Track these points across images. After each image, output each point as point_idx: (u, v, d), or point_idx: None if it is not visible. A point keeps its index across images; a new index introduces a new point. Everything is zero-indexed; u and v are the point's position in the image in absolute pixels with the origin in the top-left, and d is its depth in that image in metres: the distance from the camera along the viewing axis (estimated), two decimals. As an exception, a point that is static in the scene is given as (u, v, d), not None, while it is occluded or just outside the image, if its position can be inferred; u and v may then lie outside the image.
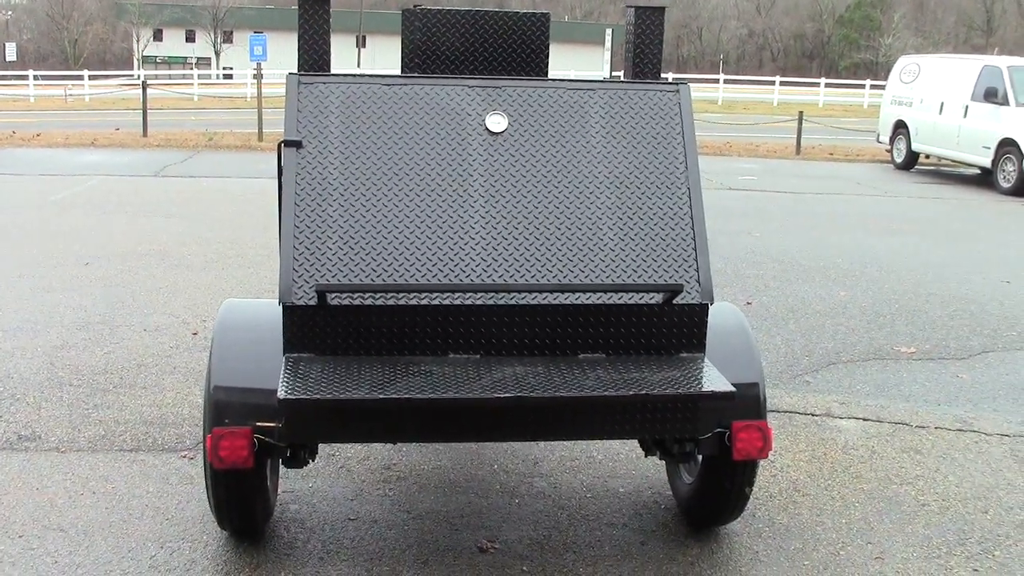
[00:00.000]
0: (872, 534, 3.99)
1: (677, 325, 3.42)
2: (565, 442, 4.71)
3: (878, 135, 20.29)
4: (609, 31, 44.86)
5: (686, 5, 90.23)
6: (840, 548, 3.87)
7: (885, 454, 4.81)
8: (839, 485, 4.44)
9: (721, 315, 3.79)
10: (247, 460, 3.30)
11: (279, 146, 3.50)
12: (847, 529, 4.03)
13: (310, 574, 3.62)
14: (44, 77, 44.45)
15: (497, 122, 3.57)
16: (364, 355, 3.36)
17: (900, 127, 19.18)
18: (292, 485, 4.32)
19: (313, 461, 3.92)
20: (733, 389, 3.14)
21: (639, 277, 3.41)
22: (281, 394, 3.00)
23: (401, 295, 3.32)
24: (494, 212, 3.44)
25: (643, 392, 3.09)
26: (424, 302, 3.33)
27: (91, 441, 4.74)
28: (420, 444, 4.69)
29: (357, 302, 3.30)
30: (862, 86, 45.68)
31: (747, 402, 3.51)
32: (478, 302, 3.34)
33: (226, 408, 3.36)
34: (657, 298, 3.38)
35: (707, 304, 3.42)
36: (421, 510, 4.13)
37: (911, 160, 19.10)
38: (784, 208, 13.26)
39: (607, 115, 3.62)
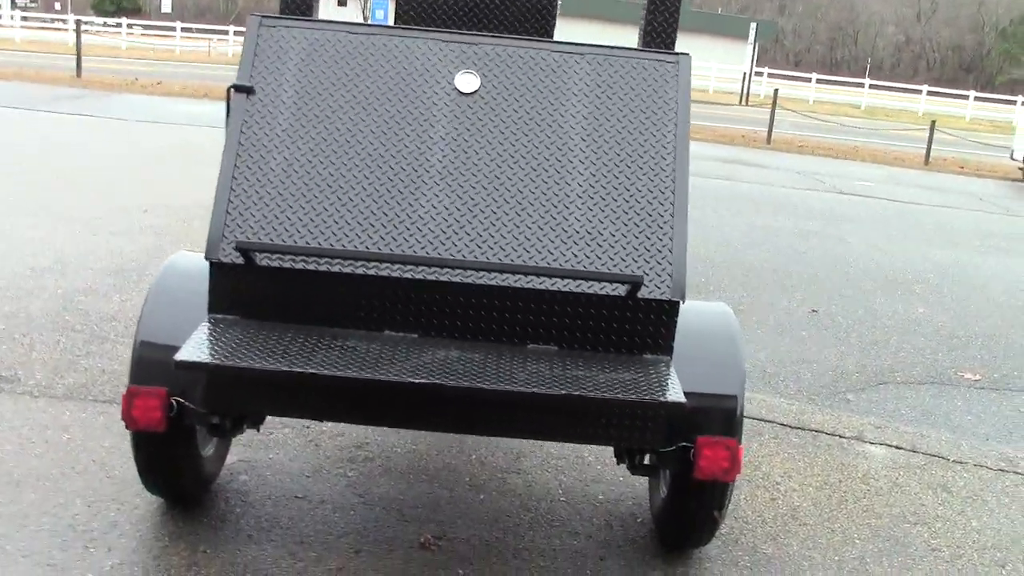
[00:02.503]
0: (864, 577, 3.54)
1: (641, 322, 3.04)
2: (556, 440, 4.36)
3: (1012, 152, 19.12)
4: (754, 25, 43.70)
5: (844, 7, 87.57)
6: (822, 589, 3.44)
7: (908, 488, 4.31)
8: (844, 517, 3.98)
9: (708, 317, 3.39)
10: (160, 423, 3.05)
11: (228, 91, 3.24)
12: (837, 569, 3.58)
13: (228, 551, 3.38)
14: (191, 30, 45.75)
15: (468, 82, 3.24)
16: (292, 323, 3.09)
17: (1037, 143, 18.02)
18: (252, 455, 4.10)
19: (257, 431, 3.69)
20: (682, 400, 2.75)
21: (603, 265, 3.04)
22: (178, 356, 2.76)
23: (336, 261, 3.03)
24: (453, 180, 3.12)
25: (575, 393, 2.73)
26: (360, 271, 3.03)
27: (68, 389, 4.60)
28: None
29: (288, 265, 3.03)
30: (1014, 102, 43.42)
31: (716, 416, 3.12)
32: (419, 276, 3.03)
33: (148, 366, 3.12)
34: (620, 290, 3.01)
35: (677, 302, 3.03)
36: (376, 495, 3.85)
37: (1045, 179, 17.94)
38: (889, 217, 12.51)
39: (593, 83, 3.25)
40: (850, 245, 10.06)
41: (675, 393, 2.77)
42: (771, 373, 5.75)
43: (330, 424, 4.38)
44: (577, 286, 3.00)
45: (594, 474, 4.17)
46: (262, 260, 3.03)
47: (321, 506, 3.74)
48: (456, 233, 3.07)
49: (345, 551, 3.43)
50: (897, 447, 4.74)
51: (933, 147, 21.34)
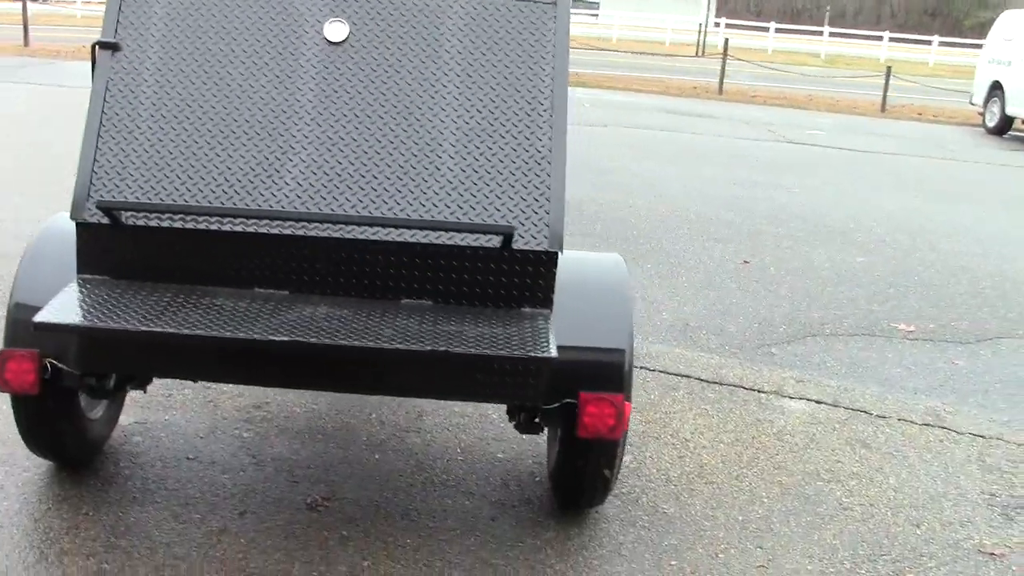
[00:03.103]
0: (769, 537, 3.44)
1: (518, 275, 2.90)
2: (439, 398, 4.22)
3: (971, 96, 19.07)
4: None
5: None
6: (722, 550, 3.34)
7: (825, 444, 4.21)
8: (754, 475, 3.87)
9: (597, 269, 3.26)
10: (33, 386, 2.96)
11: (92, 48, 3.09)
12: (740, 529, 3.48)
13: (113, 513, 3.26)
14: None
15: (337, 31, 3.09)
16: (162, 282, 2.97)
17: (996, 89, 17.95)
18: (148, 416, 3.95)
19: (143, 392, 3.56)
20: (550, 355, 2.62)
21: (476, 216, 2.89)
22: (37, 317, 2.70)
23: (202, 219, 2.90)
24: (322, 133, 2.99)
25: (439, 349, 2.61)
26: (228, 228, 2.90)
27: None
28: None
29: (154, 223, 2.91)
30: (980, 46, 43.34)
31: (601, 372, 3.00)
32: (287, 232, 2.89)
33: (21, 328, 3.00)
34: (494, 242, 2.86)
35: (555, 253, 2.88)
36: (269, 456, 3.71)
37: (1005, 125, 17.89)
38: (838, 166, 12.41)
39: (467, 29, 3.11)
40: (794, 195, 9.96)
41: (544, 348, 2.64)
42: (693, 327, 5.64)
43: (230, 385, 4.22)
44: (450, 238, 2.87)
45: (496, 432, 4.04)
46: (128, 219, 2.92)
47: (211, 467, 3.60)
48: (326, 187, 2.94)
49: (230, 512, 3.30)
50: (818, 402, 4.65)
51: (893, 94, 21.23)
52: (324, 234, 2.88)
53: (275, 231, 2.89)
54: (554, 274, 2.92)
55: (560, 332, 2.98)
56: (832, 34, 44.47)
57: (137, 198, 2.94)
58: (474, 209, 2.90)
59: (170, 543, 3.11)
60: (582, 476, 3.23)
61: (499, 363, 2.73)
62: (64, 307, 2.78)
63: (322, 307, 2.86)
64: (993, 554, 3.45)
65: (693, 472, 3.85)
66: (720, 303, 6.12)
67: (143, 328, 2.65)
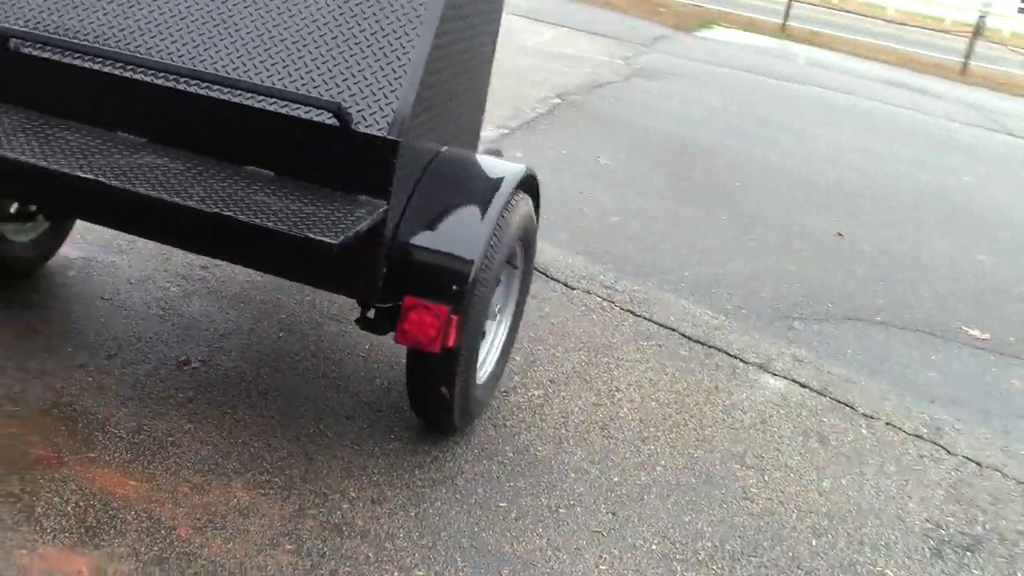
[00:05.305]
0: (632, 506, 3.14)
1: (355, 160, 2.70)
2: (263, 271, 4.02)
3: None
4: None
5: None
6: (567, 505, 3.08)
7: (774, 430, 3.79)
8: (666, 442, 3.54)
9: (482, 174, 3.03)
10: None
11: None
12: (606, 490, 3.20)
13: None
14: None
15: None
16: (35, 110, 2.96)
17: None
18: (96, 254, 4.01)
19: (52, 223, 3.62)
20: (330, 241, 2.42)
21: (315, 89, 2.71)
22: None
23: (68, 53, 2.88)
24: None
25: (212, 210, 2.47)
26: (94, 67, 2.86)
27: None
28: None
29: (27, 50, 2.90)
30: None
31: (435, 278, 2.77)
32: (141, 78, 2.81)
33: None
34: (332, 120, 2.67)
35: (395, 141, 2.66)
36: (177, 312, 3.71)
37: None
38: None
39: None
40: (964, 184, 9.04)
41: (331, 233, 2.44)
42: (724, 283, 5.20)
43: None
44: (284, 107, 2.69)
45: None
46: (13, 45, 2.90)
47: (114, 310, 3.63)
48: (190, 39, 2.83)
49: (99, 351, 3.32)
50: (802, 385, 4.19)
51: None
52: (172, 85, 2.78)
53: (138, 77, 2.81)
54: (393, 164, 2.69)
55: (404, 230, 2.78)
56: None
57: (20, 27, 2.92)
58: (314, 82, 2.72)
59: (30, 368, 3.15)
60: (416, 389, 3.04)
61: (278, 239, 2.56)
62: None
63: (162, 158, 2.77)
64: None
65: (599, 422, 3.56)
66: (774, 267, 5.63)
67: None
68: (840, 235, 6.41)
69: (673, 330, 4.41)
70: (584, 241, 5.41)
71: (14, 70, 2.90)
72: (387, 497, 2.92)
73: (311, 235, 2.43)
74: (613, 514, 3.07)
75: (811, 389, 4.17)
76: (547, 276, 4.73)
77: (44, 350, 3.27)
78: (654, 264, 5.29)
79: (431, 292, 2.78)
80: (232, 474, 2.87)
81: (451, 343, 2.79)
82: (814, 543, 3.17)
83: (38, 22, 2.93)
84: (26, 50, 2.88)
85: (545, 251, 4.90)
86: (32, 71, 2.89)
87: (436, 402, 3.03)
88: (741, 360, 4.28)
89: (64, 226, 3.77)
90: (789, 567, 3.02)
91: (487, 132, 6.44)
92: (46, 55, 2.87)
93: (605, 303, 4.57)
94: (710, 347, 4.33)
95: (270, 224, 2.46)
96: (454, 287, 2.78)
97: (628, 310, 4.50)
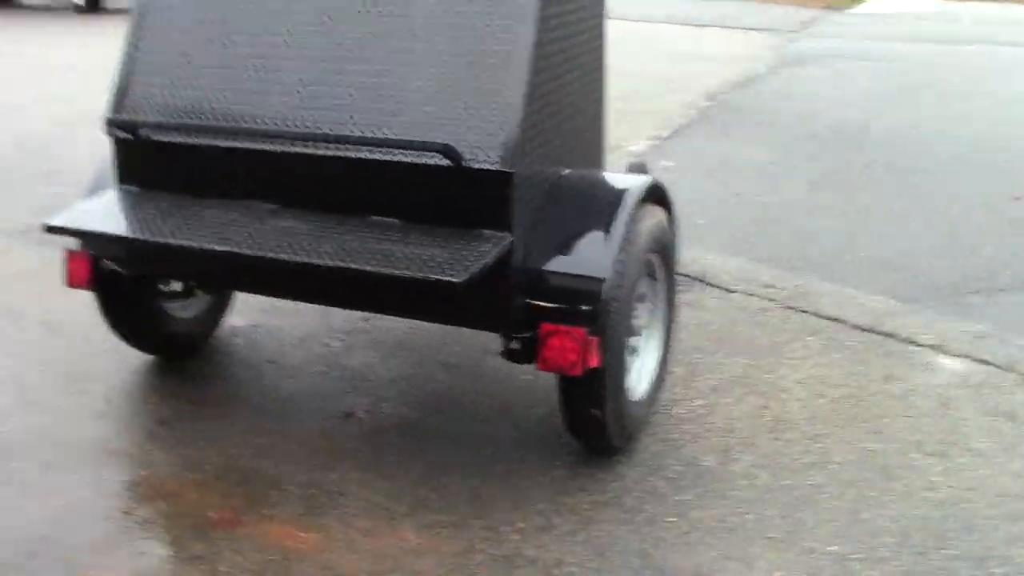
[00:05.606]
0: (804, 509, 3.04)
1: (471, 196, 2.77)
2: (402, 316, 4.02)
3: None
4: None
5: None
6: (737, 514, 3.00)
7: (956, 412, 3.59)
8: (838, 438, 3.41)
9: (603, 192, 3.05)
10: (89, 283, 3.37)
11: None
12: (776, 495, 3.10)
13: (169, 407, 3.55)
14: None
15: None
16: (177, 193, 3.19)
17: None
18: (263, 320, 4.22)
19: (212, 295, 3.83)
20: (453, 280, 2.49)
21: (422, 134, 2.80)
22: (48, 221, 3.01)
23: (194, 135, 3.10)
24: (305, 53, 3.02)
25: (329, 264, 2.60)
26: (222, 144, 3.07)
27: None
28: None
29: (166, 139, 3.14)
30: None
31: (564, 300, 2.82)
32: (266, 148, 2.98)
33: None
34: (445, 161, 2.74)
35: (509, 173, 2.70)
36: (339, 366, 3.84)
37: None
38: None
39: None
40: None
41: (453, 271, 2.51)
42: (895, 265, 4.98)
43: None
44: (395, 156, 2.79)
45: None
46: (144, 134, 3.12)
47: (281, 371, 3.79)
48: (303, 105, 2.98)
49: (268, 413, 3.50)
50: (986, 362, 3.95)
51: None
52: (295, 150, 2.93)
53: (262, 147, 2.98)
54: (509, 195, 2.74)
55: (531, 258, 2.82)
56: None
57: (150, 117, 3.13)
58: (423, 126, 2.80)
59: (206, 436, 3.33)
60: (569, 414, 3.05)
61: (406, 284, 2.64)
62: (74, 212, 3.09)
63: (290, 221, 2.91)
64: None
65: (765, 426, 3.47)
66: (946, 240, 5.35)
67: (108, 231, 2.89)
68: (1018, 199, 6.04)
69: (839, 321, 4.26)
70: (742, 242, 5.30)
71: (151, 159, 3.13)
72: (554, 524, 2.93)
73: (434, 276, 2.50)
74: (784, 519, 2.98)
75: (995, 366, 3.94)
76: (704, 282, 4.66)
77: (217, 417, 3.45)
78: (815, 256, 5.13)
79: (566, 316, 2.79)
80: (402, 517, 2.94)
81: (593, 364, 2.79)
82: (1012, 529, 2.98)
83: (165, 108, 3.11)
84: (158, 138, 3.08)
85: (702, 258, 4.83)
86: (166, 157, 3.11)
87: (590, 424, 3.04)
88: (915, 344, 4.09)
89: (224, 298, 3.98)
90: (984, 558, 2.85)
91: (637, 146, 6.43)
92: (178, 140, 3.06)
93: (766, 302, 4.46)
94: (880, 334, 4.16)
95: (395, 271, 2.54)
96: (587, 308, 2.79)
97: (791, 307, 4.38)
